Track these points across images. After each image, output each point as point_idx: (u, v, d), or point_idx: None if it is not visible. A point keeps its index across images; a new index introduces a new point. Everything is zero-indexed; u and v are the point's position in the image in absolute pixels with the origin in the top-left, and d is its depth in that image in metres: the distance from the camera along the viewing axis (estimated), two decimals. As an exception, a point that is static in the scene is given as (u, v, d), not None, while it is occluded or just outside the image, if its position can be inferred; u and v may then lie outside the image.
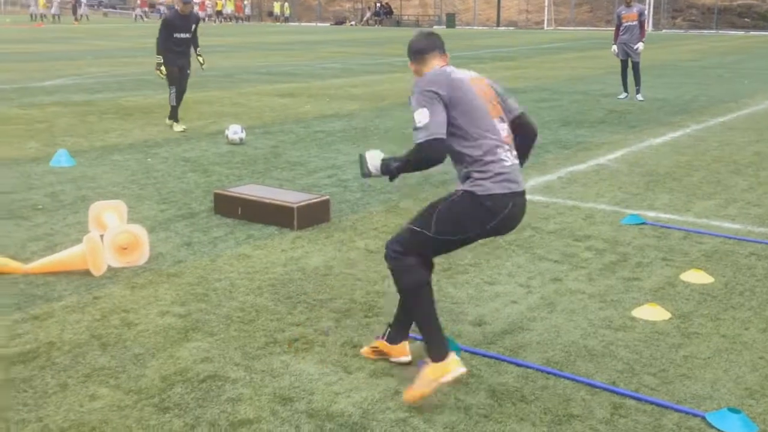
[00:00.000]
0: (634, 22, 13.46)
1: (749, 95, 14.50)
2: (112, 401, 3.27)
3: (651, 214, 6.27)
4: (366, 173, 3.52)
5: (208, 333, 3.95)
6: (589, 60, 23.50)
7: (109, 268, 4.83)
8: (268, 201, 5.88)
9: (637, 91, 13.55)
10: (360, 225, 5.94)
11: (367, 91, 15.17)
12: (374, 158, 3.50)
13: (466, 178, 3.35)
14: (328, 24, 59.82)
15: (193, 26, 10.01)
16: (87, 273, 4.74)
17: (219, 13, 60.66)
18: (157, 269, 4.88)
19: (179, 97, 10.23)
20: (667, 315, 4.23)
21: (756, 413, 3.23)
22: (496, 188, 3.31)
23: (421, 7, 62.25)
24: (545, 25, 52.82)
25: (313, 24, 60.29)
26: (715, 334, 4.00)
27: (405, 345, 3.66)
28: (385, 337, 3.66)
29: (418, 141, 3.25)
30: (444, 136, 3.25)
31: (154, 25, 55.57)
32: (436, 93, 3.28)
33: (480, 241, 5.49)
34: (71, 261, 4.76)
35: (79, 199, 6.56)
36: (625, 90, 13.77)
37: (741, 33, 46.15)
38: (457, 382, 3.35)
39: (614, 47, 13.79)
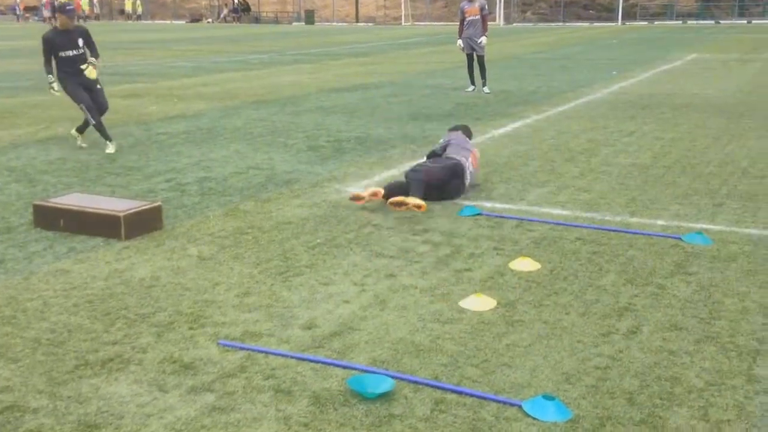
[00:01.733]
0: (477, 17, 13.79)
1: (588, 84, 15.23)
2: None
3: (488, 204, 6.40)
4: None
5: (11, 359, 3.64)
6: (441, 54, 24.00)
7: None
8: (91, 210, 5.54)
9: (483, 84, 13.92)
10: (195, 231, 5.71)
11: (217, 90, 14.79)
12: None
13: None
14: (183, 22, 58.14)
15: (80, 41, 8.47)
16: None
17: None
18: (-40, 292, 4.47)
19: (96, 113, 8.62)
20: (493, 304, 4.29)
21: (571, 398, 3.30)
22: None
23: (280, 4, 61.74)
24: (403, 20, 53.65)
25: (168, 22, 58.41)
26: (537, 320, 4.09)
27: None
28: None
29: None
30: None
31: (24, 27, 51.79)
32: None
33: (318, 240, 5.47)
34: None
35: None
36: (472, 83, 14.11)
37: (586, 24, 48.66)
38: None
39: (459, 42, 14.09)
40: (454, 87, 14.79)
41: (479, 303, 4.28)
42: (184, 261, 5.04)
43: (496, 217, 6.03)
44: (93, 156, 8.44)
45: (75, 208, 5.61)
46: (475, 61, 13.98)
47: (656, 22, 48.62)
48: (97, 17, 60.57)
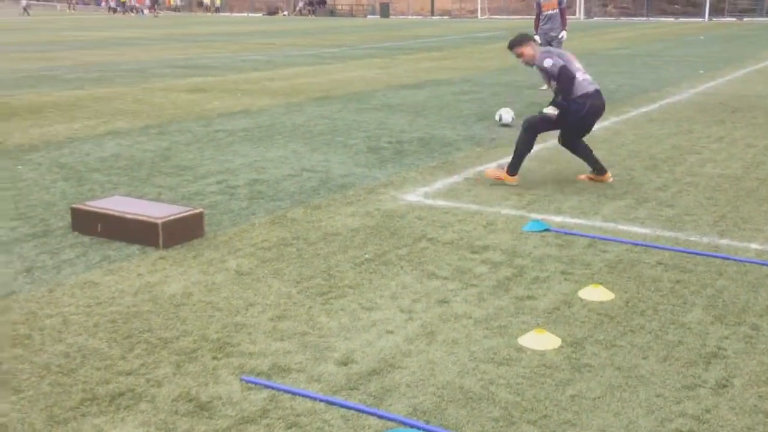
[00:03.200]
0: (555, 11, 13.09)
1: (674, 83, 14.31)
2: None
3: (557, 218, 5.82)
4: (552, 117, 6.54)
5: (14, 389, 3.30)
6: (517, 49, 23.17)
7: None
8: (130, 216, 5.22)
9: (558, 82, 13.20)
10: (237, 240, 5.33)
11: (285, 84, 14.51)
12: (547, 109, 6.58)
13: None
14: (260, 14, 58.62)
15: None
16: None
17: (123, 5, 57.91)
18: (-22, 305, 4.19)
19: None
20: (557, 342, 3.74)
21: (646, 471, 2.75)
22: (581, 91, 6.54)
23: (355, -4, 61.50)
24: (479, 14, 52.71)
25: (245, 14, 58.99)
26: (609, 365, 3.53)
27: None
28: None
29: (556, 72, 6.44)
30: (563, 63, 6.47)
31: (61, 17, 53.13)
32: (551, 52, 6.71)
33: (367, 255, 5.02)
34: None
35: None
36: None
37: (671, 19, 46.76)
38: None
39: (536, 37, 13.39)
40: (529, 85, 14.09)
41: (541, 340, 3.74)
42: (221, 275, 4.65)
43: (566, 234, 5.44)
44: (147, 153, 8.19)
45: (113, 212, 5.30)
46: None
47: (745, 19, 46.31)
48: (177, 9, 61.69)
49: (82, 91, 13.28)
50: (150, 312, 4.11)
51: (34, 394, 3.26)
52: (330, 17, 55.15)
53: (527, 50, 6.68)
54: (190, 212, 5.34)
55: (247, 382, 3.37)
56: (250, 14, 58.96)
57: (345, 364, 3.54)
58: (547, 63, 6.47)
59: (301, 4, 59.10)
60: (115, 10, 57.95)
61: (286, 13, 58.98)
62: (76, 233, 5.40)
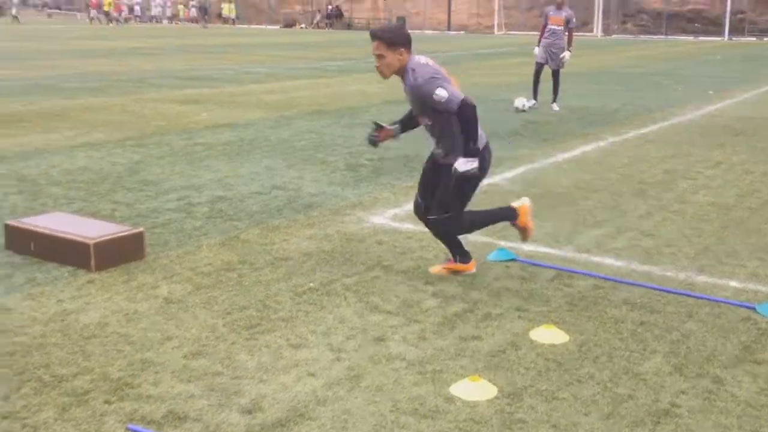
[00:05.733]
0: (561, 27, 12.67)
1: (680, 104, 13.85)
2: None
3: (527, 247, 5.42)
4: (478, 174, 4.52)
5: None
6: (528, 66, 22.81)
7: None
8: (61, 235, 4.90)
9: (553, 100, 12.77)
10: (178, 264, 4.98)
11: (280, 98, 14.20)
12: (464, 164, 4.39)
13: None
14: (277, 27, 58.68)
15: None
16: None
17: (107, 14, 56.47)
18: None
19: None
20: (492, 392, 3.35)
21: None
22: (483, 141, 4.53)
23: (372, 10, 61.39)
24: (495, 29, 52.34)
25: (263, 26, 59.09)
26: (545, 422, 3.13)
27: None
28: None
29: (457, 109, 4.27)
30: (464, 96, 4.29)
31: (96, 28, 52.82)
32: (439, 76, 4.35)
33: (311, 284, 4.66)
34: None
35: None
36: (535, 97, 12.88)
37: (690, 38, 46.14)
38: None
39: (537, 49, 12.98)
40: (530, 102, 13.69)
41: (475, 390, 3.35)
42: (146, 303, 4.31)
43: (532, 264, 5.05)
44: (116, 167, 7.89)
45: (45, 231, 4.97)
46: (543, 73, 12.82)
47: (765, 38, 45.60)
48: (195, 20, 61.74)
49: (73, 100, 13.06)
50: (55, 345, 3.77)
51: None
52: (347, 30, 55.08)
53: (396, 54, 4.37)
54: (128, 232, 5.01)
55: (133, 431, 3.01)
56: (267, 26, 59.01)
57: (249, 413, 3.17)
58: (440, 94, 4.24)
59: (318, 17, 59.07)
60: (99, 20, 56.19)
61: (303, 25, 58.95)
62: (10, 252, 5.09)
